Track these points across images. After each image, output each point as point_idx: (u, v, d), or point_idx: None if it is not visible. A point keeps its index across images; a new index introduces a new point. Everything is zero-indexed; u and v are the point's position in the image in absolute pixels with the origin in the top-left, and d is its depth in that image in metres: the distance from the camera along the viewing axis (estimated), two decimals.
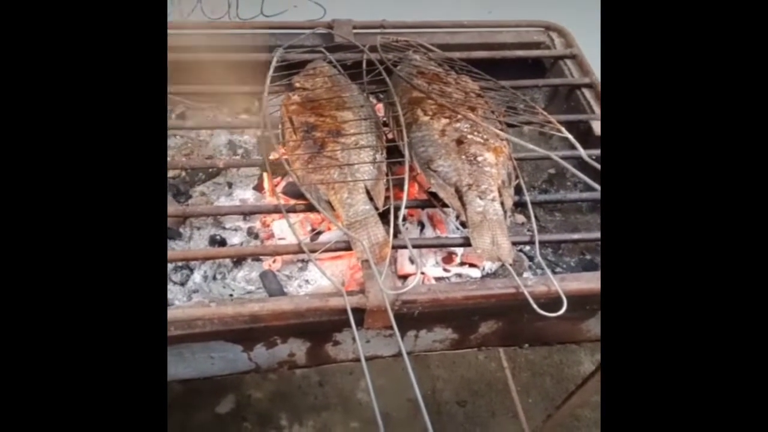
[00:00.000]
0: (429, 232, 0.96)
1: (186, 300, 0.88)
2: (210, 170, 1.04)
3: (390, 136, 0.91)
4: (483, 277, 0.93)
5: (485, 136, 0.86)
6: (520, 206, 0.85)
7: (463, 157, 0.83)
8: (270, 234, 0.95)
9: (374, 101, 1.05)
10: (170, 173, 1.02)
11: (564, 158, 0.85)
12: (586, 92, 1.08)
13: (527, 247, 0.97)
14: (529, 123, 0.96)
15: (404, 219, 0.86)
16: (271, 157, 0.91)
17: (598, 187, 0.78)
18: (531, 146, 0.83)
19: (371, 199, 0.79)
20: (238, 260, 0.91)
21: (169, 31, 1.03)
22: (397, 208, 0.79)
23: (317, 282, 0.89)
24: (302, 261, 0.92)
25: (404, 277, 0.89)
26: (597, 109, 1.05)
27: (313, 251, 0.77)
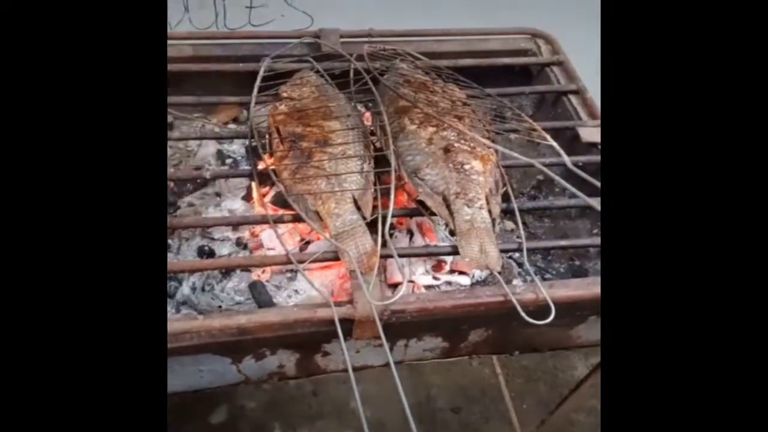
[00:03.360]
0: (418, 241, 0.96)
1: (174, 312, 0.87)
2: (198, 181, 1.04)
3: (377, 145, 0.91)
4: (472, 284, 0.93)
5: (472, 145, 0.86)
6: (508, 213, 0.86)
7: (451, 165, 0.83)
8: (259, 244, 0.95)
9: (363, 110, 1.05)
10: None
11: (550, 165, 0.85)
12: (573, 98, 1.09)
13: (517, 254, 0.97)
14: (515, 131, 0.96)
15: (392, 228, 0.86)
16: (259, 167, 0.91)
17: (580, 194, 0.78)
18: (515, 154, 0.84)
19: (359, 208, 0.79)
20: (227, 271, 0.91)
21: None
22: (384, 217, 0.78)
23: (306, 292, 0.89)
24: (291, 271, 0.92)
25: (394, 286, 0.89)
26: (584, 116, 1.06)
27: (301, 261, 0.76)
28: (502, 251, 0.79)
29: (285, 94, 0.97)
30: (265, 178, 0.90)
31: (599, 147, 0.98)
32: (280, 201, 0.93)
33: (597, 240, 0.89)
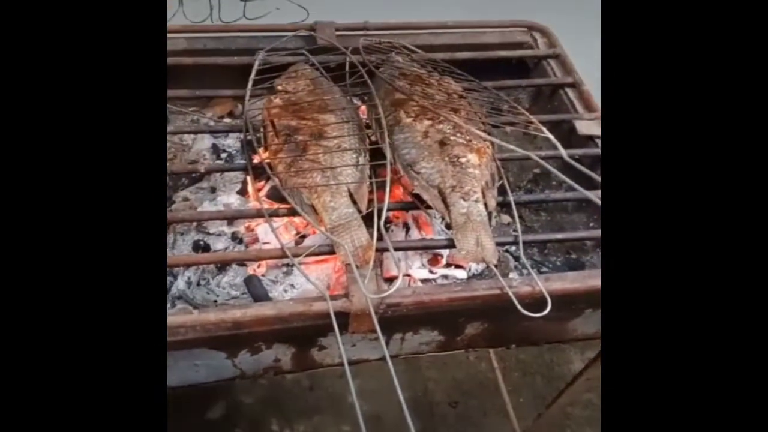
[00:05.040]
0: (414, 234, 0.96)
1: (170, 307, 0.87)
2: (193, 175, 1.03)
3: (373, 138, 0.91)
4: (469, 278, 0.92)
5: (468, 138, 0.86)
6: (504, 206, 0.85)
7: (446, 158, 0.82)
8: (254, 238, 0.94)
9: (358, 103, 1.05)
10: None
11: (547, 158, 0.85)
12: (569, 91, 1.09)
13: (513, 247, 0.97)
14: (511, 124, 0.96)
15: (388, 221, 0.85)
16: (255, 161, 0.90)
17: (578, 186, 0.78)
18: (512, 147, 0.83)
19: (354, 202, 0.79)
20: (223, 265, 0.90)
21: None
22: (380, 211, 0.78)
23: (302, 286, 0.89)
24: (287, 265, 0.91)
25: (390, 280, 0.89)
26: (580, 108, 1.06)
27: (296, 255, 0.76)
28: (499, 244, 0.79)
29: (280, 88, 0.96)
30: (260, 172, 0.90)
31: (596, 140, 0.98)
32: (275, 195, 0.93)
33: (593, 233, 0.89)
